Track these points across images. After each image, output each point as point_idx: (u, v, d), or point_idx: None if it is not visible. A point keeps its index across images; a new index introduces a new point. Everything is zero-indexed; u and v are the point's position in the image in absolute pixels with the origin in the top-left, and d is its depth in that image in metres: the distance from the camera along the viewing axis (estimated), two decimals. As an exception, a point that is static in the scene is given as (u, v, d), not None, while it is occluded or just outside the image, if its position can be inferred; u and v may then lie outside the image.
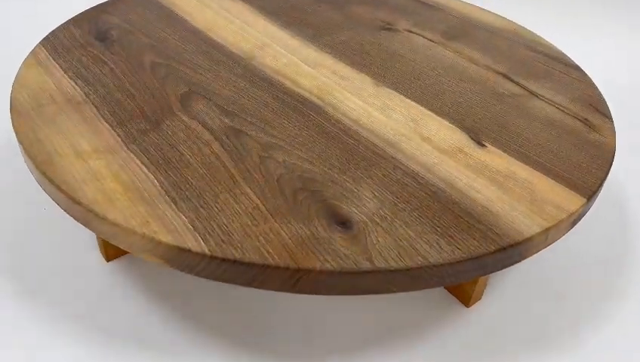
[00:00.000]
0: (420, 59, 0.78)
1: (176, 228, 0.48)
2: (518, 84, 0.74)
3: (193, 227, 0.48)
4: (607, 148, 0.63)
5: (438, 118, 0.66)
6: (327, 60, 0.76)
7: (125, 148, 0.57)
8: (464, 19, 0.91)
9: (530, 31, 0.90)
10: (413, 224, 0.51)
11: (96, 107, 0.63)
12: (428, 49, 0.81)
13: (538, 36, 0.88)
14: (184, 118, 0.62)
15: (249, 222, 0.49)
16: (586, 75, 0.78)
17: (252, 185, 0.53)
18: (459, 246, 0.49)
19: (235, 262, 0.46)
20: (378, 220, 0.51)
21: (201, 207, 0.51)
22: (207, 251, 0.46)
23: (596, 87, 0.75)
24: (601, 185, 0.58)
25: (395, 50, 0.80)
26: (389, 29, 0.86)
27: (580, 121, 0.67)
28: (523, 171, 0.58)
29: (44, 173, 0.53)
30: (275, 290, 0.48)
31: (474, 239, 0.50)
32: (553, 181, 0.57)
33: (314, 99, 0.67)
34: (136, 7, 0.87)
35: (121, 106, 0.63)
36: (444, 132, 0.63)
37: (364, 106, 0.67)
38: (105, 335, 0.61)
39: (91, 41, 0.76)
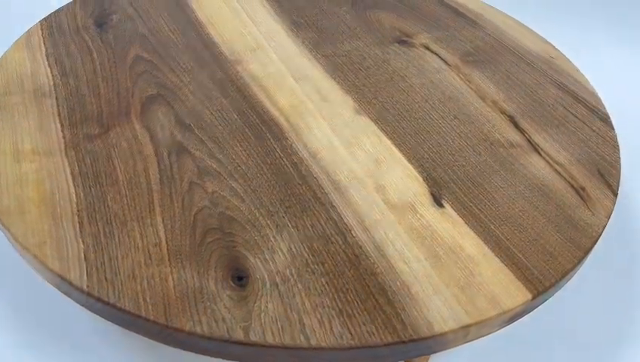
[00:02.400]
0: (421, 85, 0.70)
1: (67, 256, 0.47)
2: (521, 131, 0.65)
3: (85, 257, 0.47)
4: (590, 233, 0.53)
5: (406, 163, 0.59)
6: (317, 74, 0.71)
7: (63, 154, 0.56)
8: (498, 37, 0.81)
9: (568, 61, 0.78)
10: (315, 293, 0.46)
11: (57, 102, 0.63)
12: (436, 73, 0.73)
13: (576, 69, 0.76)
14: (136, 125, 0.60)
15: (142, 261, 0.47)
16: (611, 128, 0.67)
17: (166, 216, 0.51)
18: (351, 330, 0.44)
19: (109, 304, 0.44)
20: (279, 281, 0.47)
21: (104, 234, 0.49)
22: (85, 288, 0.45)
23: (616, 146, 0.64)
24: (559, 281, 0.49)
25: (397, 70, 0.73)
26: (404, 43, 0.78)
27: (575, 189, 0.58)
28: (472, 246, 0.51)
29: (-23, 170, 0.54)
30: (151, 339, 0.46)
31: (373, 324, 0.44)
32: (502, 265, 0.50)
33: (281, 120, 0.63)
34: (150, -11, 0.85)
35: (83, 104, 0.63)
36: (404, 182, 0.57)
37: (331, 137, 0.61)
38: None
39: (89, 25, 0.76)
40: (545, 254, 0.51)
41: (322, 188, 0.55)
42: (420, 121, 0.65)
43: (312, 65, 0.72)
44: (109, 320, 0.46)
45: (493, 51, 0.78)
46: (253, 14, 0.81)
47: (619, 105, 0.93)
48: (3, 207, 0.50)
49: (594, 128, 0.66)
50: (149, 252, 0.48)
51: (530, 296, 0.47)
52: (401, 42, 0.78)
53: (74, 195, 0.52)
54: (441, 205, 0.55)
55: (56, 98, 0.63)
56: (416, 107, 0.67)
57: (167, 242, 0.49)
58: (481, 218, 0.54)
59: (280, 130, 0.62)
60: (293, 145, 0.60)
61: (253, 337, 0.43)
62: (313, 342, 0.43)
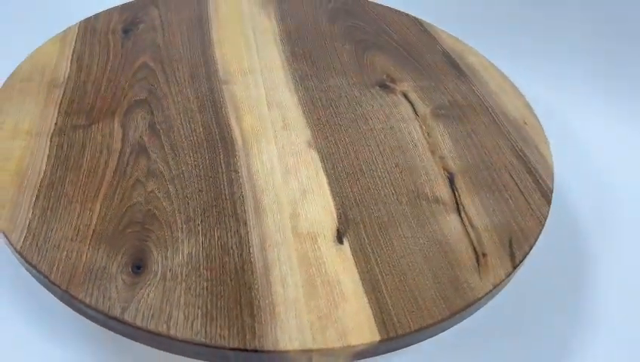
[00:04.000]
0: (380, 130, 0.76)
1: (16, 220, 0.59)
2: (454, 190, 0.69)
3: (29, 224, 0.58)
4: (467, 296, 0.57)
5: (330, 198, 0.65)
6: (290, 104, 0.78)
7: (48, 138, 0.69)
8: (480, 96, 0.84)
9: (540, 130, 0.80)
10: (192, 293, 0.54)
11: (63, 93, 0.75)
12: (401, 121, 0.78)
13: (544, 140, 0.78)
14: (115, 124, 0.72)
15: (69, 236, 0.58)
16: (547, 203, 0.69)
17: (104, 204, 0.61)
18: (207, 330, 0.51)
19: (31, 264, 0.55)
20: (168, 277, 0.55)
21: (50, 209, 0.60)
22: (18, 248, 0.56)
23: (542, 221, 0.66)
24: (415, 332, 0.54)
25: (365, 113, 0.79)
26: (385, 87, 0.84)
27: (476, 254, 0.61)
28: (349, 283, 0.57)
29: (-19, 139, 0.67)
30: (59, 299, 0.56)
31: (228, 329, 0.52)
32: (367, 305, 0.55)
33: (238, 140, 0.72)
34: (183, 5, 0.97)
35: (82, 98, 0.75)
36: (318, 215, 0.63)
37: (275, 163, 0.69)
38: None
39: (117, 30, 0.89)
40: (412, 305, 0.56)
41: (243, 207, 0.63)
42: (362, 163, 0.71)
43: (290, 95, 0.80)
44: (33, 277, 0.57)
45: (469, 108, 0.82)
46: (260, 40, 0.90)
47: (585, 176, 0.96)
48: (-15, 172, 0.63)
49: (529, 200, 0.69)
50: (78, 230, 0.58)
51: (378, 338, 0.53)
52: (383, 86, 0.84)
53: (42, 173, 0.64)
54: (341, 241, 0.61)
55: (64, 90, 0.76)
56: (365, 150, 0.73)
57: (95, 226, 0.59)
58: (370, 260, 0.59)
59: (233, 148, 0.70)
60: (237, 163, 0.68)
61: (127, 317, 0.52)
62: (171, 332, 0.51)
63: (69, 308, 0.55)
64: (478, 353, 0.74)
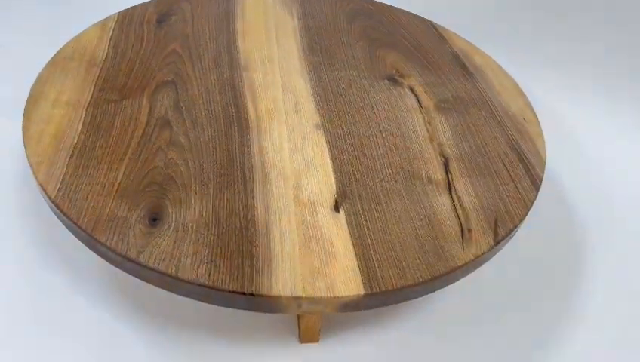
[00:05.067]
0: (384, 117, 0.82)
1: (52, 174, 0.67)
2: (448, 173, 0.74)
3: (63, 178, 0.66)
4: (449, 263, 0.63)
5: (331, 173, 0.72)
6: (304, 91, 0.85)
7: (84, 109, 0.77)
8: (483, 92, 0.90)
9: (538, 126, 0.85)
10: (201, 244, 0.61)
11: (100, 72, 0.84)
12: (405, 111, 0.84)
13: (540, 135, 0.83)
14: (144, 100, 0.79)
15: (97, 191, 0.65)
16: (535, 190, 0.73)
17: (129, 166, 0.69)
18: (210, 275, 0.58)
19: (62, 211, 0.63)
20: (180, 229, 0.62)
21: (82, 167, 0.68)
22: (53, 197, 0.64)
23: (528, 205, 0.71)
24: (397, 290, 0.59)
25: (372, 102, 0.85)
26: (394, 81, 0.90)
27: (462, 229, 0.67)
28: (341, 246, 0.63)
29: (27, 107, 0.76)
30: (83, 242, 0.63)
31: (229, 276, 0.58)
32: (356, 264, 0.61)
33: (253, 119, 0.79)
34: (213, 1, 1.05)
35: (116, 77, 0.83)
36: (319, 187, 0.70)
37: (284, 141, 0.76)
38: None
39: (152, 20, 0.97)
40: (397, 267, 0.61)
41: (252, 176, 0.70)
42: (364, 145, 0.77)
43: (304, 83, 0.87)
44: (63, 223, 0.64)
45: (471, 103, 0.87)
46: (280, 34, 0.98)
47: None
48: (30, 133, 0.72)
49: (518, 186, 0.74)
50: (104, 186, 0.66)
51: (362, 292, 0.58)
52: (391, 80, 0.90)
53: (77, 138, 0.72)
54: (337, 210, 0.67)
55: (101, 69, 0.84)
56: (369, 134, 0.79)
57: (119, 183, 0.67)
58: (363, 228, 0.65)
59: (247, 126, 0.77)
60: (250, 139, 0.75)
61: (141, 259, 0.59)
62: (179, 274, 0.58)
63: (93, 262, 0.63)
64: (467, 336, 0.79)
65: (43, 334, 0.73)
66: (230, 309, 0.75)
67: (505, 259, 0.83)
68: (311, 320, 0.72)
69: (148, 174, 0.68)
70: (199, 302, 0.75)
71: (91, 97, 0.79)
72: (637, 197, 1.04)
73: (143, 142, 0.73)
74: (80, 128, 0.74)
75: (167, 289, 0.60)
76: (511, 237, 0.69)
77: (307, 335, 0.74)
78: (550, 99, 1.17)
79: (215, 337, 0.75)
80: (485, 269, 0.88)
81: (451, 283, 0.64)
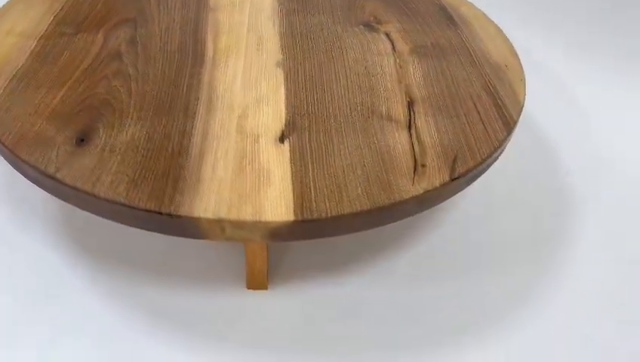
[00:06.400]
0: (353, 59, 0.77)
1: (-14, 95, 0.64)
2: (411, 112, 0.68)
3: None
4: (392, 195, 0.57)
5: (283, 107, 0.67)
6: (270, 32, 0.81)
7: (36, 40, 0.74)
8: (465, 40, 0.83)
9: (520, 72, 0.78)
10: (125, 164, 0.57)
11: (62, 7, 0.82)
12: (377, 54, 0.78)
13: (520, 80, 0.76)
14: (100, 35, 0.77)
15: (30, 111, 0.63)
16: (507, 132, 0.67)
17: (69, 91, 0.66)
18: (128, 193, 0.54)
19: (-12, 129, 0.60)
20: (106, 150, 0.58)
21: (20, 89, 0.65)
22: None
23: (496, 146, 0.65)
24: (330, 219, 0.54)
25: (343, 46, 0.80)
26: (370, 27, 0.85)
27: (415, 164, 0.61)
28: (279, 174, 0.58)
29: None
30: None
31: (148, 195, 0.54)
32: (291, 191, 0.56)
33: (209, 54, 0.75)
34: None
35: (78, 12, 0.81)
36: (267, 118, 0.65)
37: (238, 75, 0.71)
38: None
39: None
40: (336, 197, 0.56)
41: (196, 107, 0.66)
42: (325, 84, 0.72)
43: (272, 25, 0.83)
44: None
45: (450, 50, 0.81)
46: (258, -17, 0.94)
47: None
48: (-26, 58, 0.70)
49: (488, 128, 0.67)
50: (38, 108, 0.63)
51: (292, 218, 0.53)
52: (367, 26, 0.85)
53: (21, 64, 0.70)
54: (282, 142, 0.62)
55: (64, 5, 0.82)
56: (333, 74, 0.74)
57: (56, 105, 0.64)
58: (306, 158, 0.60)
59: (203, 61, 0.74)
60: (202, 72, 0.71)
61: (58, 176, 0.55)
62: (95, 191, 0.54)
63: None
64: (427, 293, 0.73)
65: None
66: (178, 253, 0.73)
67: (483, 206, 0.78)
68: (257, 264, 0.68)
69: (86, 99, 0.65)
70: (149, 245, 0.72)
71: (46, 30, 0.76)
72: (624, 150, 0.99)
73: (89, 72, 0.70)
74: (27, 56, 0.71)
75: (85, 209, 0.56)
76: (474, 177, 0.63)
77: (254, 280, 0.69)
78: (540, 53, 1.11)
79: (161, 281, 0.71)
80: (458, 219, 0.83)
81: (398, 218, 0.58)
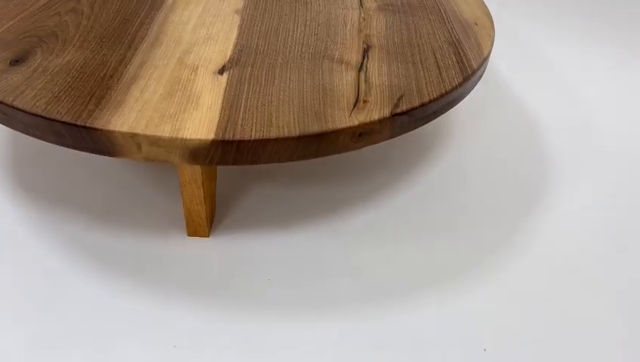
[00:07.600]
0: (316, 10, 0.75)
1: None
2: (365, 57, 0.65)
3: (-57, 25, 0.64)
4: (324, 125, 0.54)
5: (230, 46, 0.65)
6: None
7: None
8: (440, 0, 0.80)
9: (490, 30, 0.74)
10: (54, 83, 0.56)
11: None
12: (342, 8, 0.76)
13: (489, 37, 0.73)
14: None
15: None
16: (464, 76, 0.63)
17: (18, 22, 0.65)
18: (48, 108, 0.52)
19: None
20: (39, 70, 0.57)
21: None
22: None
23: (445, 89, 0.61)
24: (251, 146, 0.51)
25: (310, 0, 0.78)
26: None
27: (357, 98, 0.58)
28: (210, 99, 0.55)
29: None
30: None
31: (68, 109, 0.52)
32: (218, 115, 0.53)
33: (170, 1, 0.74)
34: None
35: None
36: (210, 54, 0.63)
37: (193, 18, 0.70)
38: None
39: None
40: (265, 122, 0.53)
41: (142, 43, 0.64)
42: (281, 29, 0.70)
43: (241, -18, 0.81)
44: None
45: (420, 7, 0.78)
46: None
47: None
48: None
49: (443, 74, 0.64)
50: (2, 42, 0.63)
51: (212, 137, 0.51)
52: (345, -11, 0.83)
53: None
54: (221, 73, 0.60)
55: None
56: (292, 22, 0.72)
57: (1, 32, 0.63)
58: (242, 88, 0.58)
59: (160, 6, 0.73)
60: (157, 15, 0.70)
61: (-7, 95, 0.54)
62: (14, 103, 0.53)
63: None
64: (379, 246, 0.69)
65: None
66: (121, 199, 0.71)
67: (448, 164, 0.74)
68: (193, 206, 0.65)
69: (32, 30, 0.64)
70: (95, 190, 0.71)
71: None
72: (599, 109, 0.98)
73: (45, 9, 0.69)
74: None
75: (5, 124, 0.55)
76: (422, 119, 0.60)
77: (192, 226, 0.67)
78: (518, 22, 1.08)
79: (102, 227, 0.69)
80: (430, 181, 0.79)
81: (333, 151, 0.55)
